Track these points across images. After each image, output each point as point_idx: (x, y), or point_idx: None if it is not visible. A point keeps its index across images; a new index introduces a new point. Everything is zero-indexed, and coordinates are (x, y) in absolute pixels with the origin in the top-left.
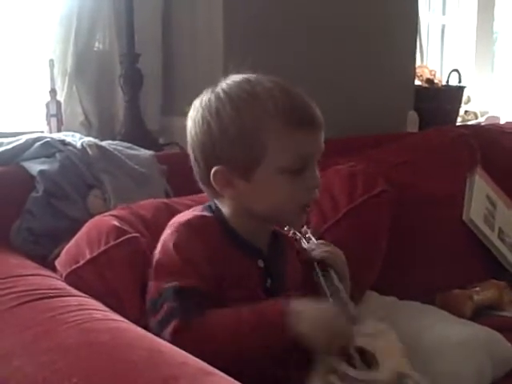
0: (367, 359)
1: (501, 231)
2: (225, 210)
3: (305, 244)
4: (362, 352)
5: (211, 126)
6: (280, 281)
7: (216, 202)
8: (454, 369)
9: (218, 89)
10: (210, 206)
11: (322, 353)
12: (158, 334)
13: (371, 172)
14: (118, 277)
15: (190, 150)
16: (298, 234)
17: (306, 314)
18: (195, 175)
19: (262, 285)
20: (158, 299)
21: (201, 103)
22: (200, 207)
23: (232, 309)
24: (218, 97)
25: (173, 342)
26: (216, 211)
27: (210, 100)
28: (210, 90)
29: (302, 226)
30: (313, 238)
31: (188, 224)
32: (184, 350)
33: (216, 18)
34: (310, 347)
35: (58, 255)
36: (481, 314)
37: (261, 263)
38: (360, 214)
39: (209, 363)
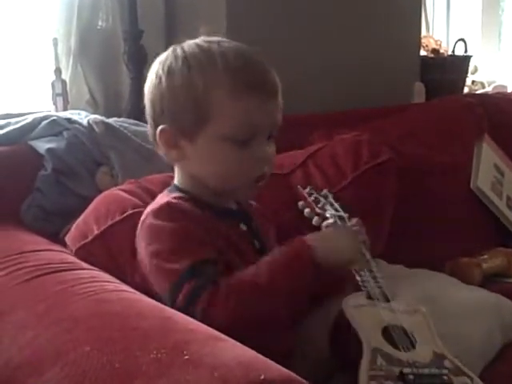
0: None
1: (509, 199)
2: (179, 179)
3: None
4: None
5: (162, 81)
6: (262, 239)
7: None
8: (463, 332)
9: (178, 46)
10: (175, 187)
11: (347, 265)
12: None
13: (376, 141)
14: (122, 251)
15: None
16: (318, 196)
17: (324, 235)
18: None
19: (253, 247)
20: (177, 282)
21: (160, 60)
22: (165, 191)
23: (247, 268)
24: (174, 53)
25: (208, 311)
26: (181, 189)
27: (167, 57)
28: (171, 48)
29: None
30: (336, 205)
31: (169, 206)
32: (223, 315)
33: None
34: (334, 265)
35: (68, 232)
36: (489, 282)
37: (243, 227)
38: (366, 182)
39: (251, 323)
